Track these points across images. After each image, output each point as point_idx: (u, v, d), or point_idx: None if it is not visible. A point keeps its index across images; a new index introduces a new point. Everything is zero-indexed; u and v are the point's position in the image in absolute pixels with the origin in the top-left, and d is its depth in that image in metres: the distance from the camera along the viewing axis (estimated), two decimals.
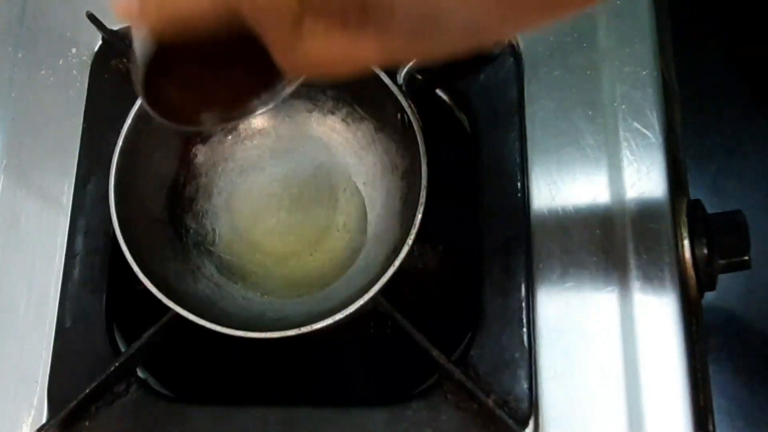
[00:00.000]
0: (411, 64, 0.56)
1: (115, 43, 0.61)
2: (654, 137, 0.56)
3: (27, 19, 0.65)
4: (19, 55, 0.64)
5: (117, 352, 0.56)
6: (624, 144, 0.57)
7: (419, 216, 0.52)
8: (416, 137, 0.54)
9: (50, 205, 0.60)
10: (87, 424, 0.54)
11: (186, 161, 0.61)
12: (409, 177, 0.57)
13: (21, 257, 0.58)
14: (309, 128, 0.63)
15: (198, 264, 0.59)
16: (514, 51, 0.59)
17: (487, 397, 0.51)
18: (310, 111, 0.62)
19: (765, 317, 0.60)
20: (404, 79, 0.56)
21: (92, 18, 0.61)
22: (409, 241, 0.51)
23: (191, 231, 0.61)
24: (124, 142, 0.55)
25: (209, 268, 0.60)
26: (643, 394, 0.51)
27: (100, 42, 0.63)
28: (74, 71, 0.63)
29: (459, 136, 0.61)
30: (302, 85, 0.54)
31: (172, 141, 0.60)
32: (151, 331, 0.54)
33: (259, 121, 0.63)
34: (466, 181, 0.58)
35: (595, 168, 0.57)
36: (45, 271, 0.58)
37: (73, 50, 0.64)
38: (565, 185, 0.57)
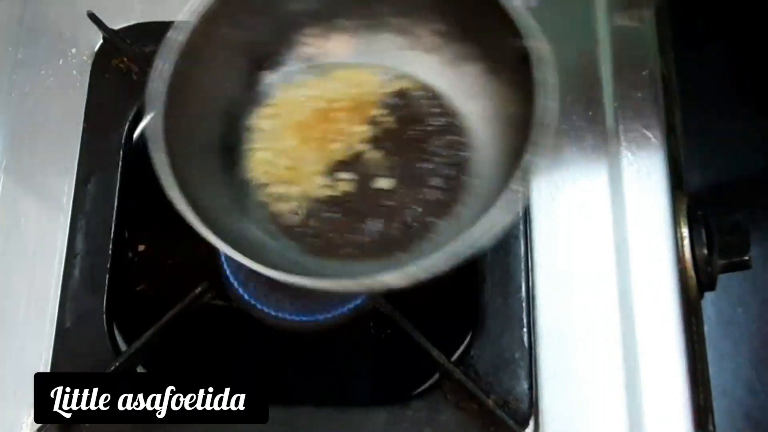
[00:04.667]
0: None
1: (116, 43, 0.61)
2: (654, 137, 0.56)
3: (27, 19, 0.65)
4: (19, 55, 0.64)
5: (117, 352, 0.55)
6: (624, 144, 0.57)
7: (528, 159, 0.42)
8: (535, 69, 0.44)
9: (50, 205, 0.60)
10: (87, 424, 0.54)
11: (251, 85, 0.54)
12: (522, 126, 0.46)
13: (21, 257, 0.58)
14: (405, 68, 0.53)
15: (249, 204, 0.52)
16: None
17: (487, 397, 0.51)
18: (409, 48, 0.52)
19: (765, 317, 0.60)
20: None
21: (93, 17, 0.61)
22: (515, 186, 0.43)
23: (246, 165, 0.53)
24: (186, 45, 0.47)
25: (261, 211, 0.52)
26: (643, 394, 0.51)
27: (100, 42, 0.63)
28: (74, 71, 0.63)
29: None
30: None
31: (238, 60, 0.53)
32: (151, 331, 0.54)
33: (343, 56, 0.54)
34: None
35: (595, 168, 0.57)
36: (45, 271, 0.58)
37: (73, 50, 0.64)
38: (565, 185, 0.57)
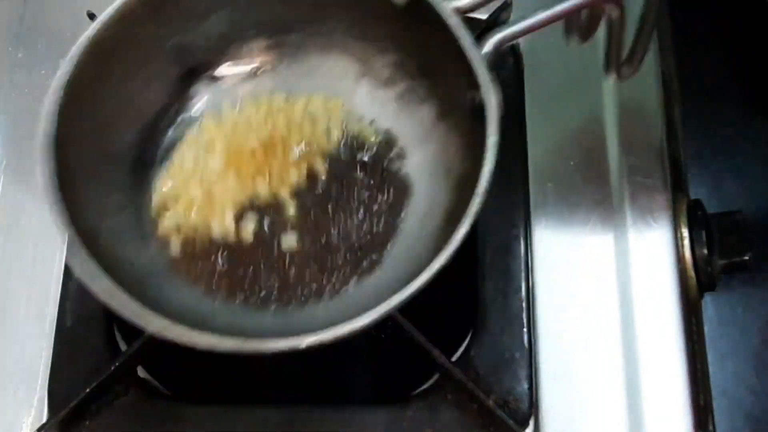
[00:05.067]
0: (510, 31, 0.43)
1: None
2: (654, 137, 0.56)
3: (27, 19, 0.65)
4: (19, 55, 0.64)
5: (117, 352, 0.55)
6: (624, 144, 0.57)
7: (460, 234, 0.41)
8: (486, 130, 0.41)
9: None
10: (87, 424, 0.54)
11: (180, 99, 0.49)
12: (462, 190, 0.44)
13: (21, 257, 0.58)
14: (353, 98, 0.49)
15: (149, 230, 0.46)
16: (514, 51, 0.59)
17: (487, 397, 0.51)
18: (359, 76, 0.49)
19: (765, 317, 0.60)
20: (494, 47, 0.42)
21: (93, 17, 0.61)
22: (435, 264, 0.41)
23: (153, 186, 0.48)
24: (95, 36, 0.41)
25: (168, 236, 0.46)
26: (643, 394, 0.51)
27: None
28: None
29: None
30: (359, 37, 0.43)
31: (166, 67, 0.47)
32: None
33: (289, 74, 0.50)
34: None
35: (595, 168, 0.57)
36: (45, 271, 0.58)
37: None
38: (564, 186, 0.57)
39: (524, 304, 0.53)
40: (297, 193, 0.48)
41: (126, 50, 0.44)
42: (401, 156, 0.49)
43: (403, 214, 0.48)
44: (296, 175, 0.48)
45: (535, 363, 0.53)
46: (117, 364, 0.53)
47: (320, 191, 0.48)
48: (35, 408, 0.55)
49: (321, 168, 0.48)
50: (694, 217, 0.56)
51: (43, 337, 0.56)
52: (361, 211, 0.48)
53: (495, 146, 0.41)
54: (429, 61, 0.46)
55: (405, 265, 0.47)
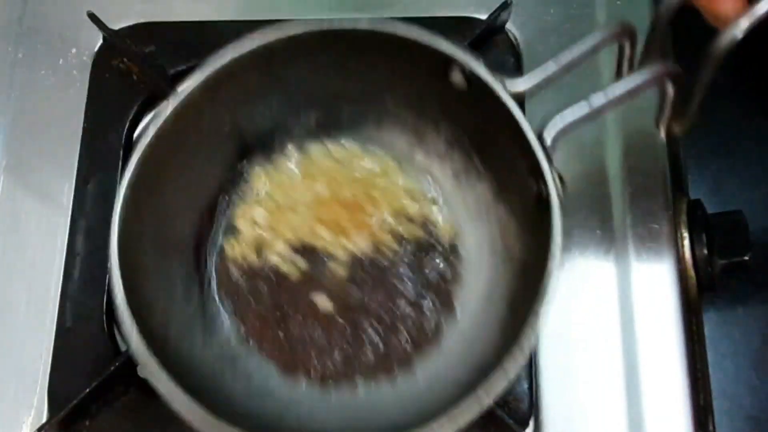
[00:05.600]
0: (569, 120, 0.41)
1: (116, 43, 0.61)
2: (654, 137, 0.56)
3: (27, 19, 0.65)
4: (19, 55, 0.64)
5: (117, 352, 0.55)
6: (624, 144, 0.57)
7: (530, 337, 0.38)
8: (551, 220, 0.39)
9: (50, 205, 0.59)
10: (87, 424, 0.54)
11: (237, 177, 0.48)
12: (526, 275, 0.43)
13: (21, 257, 0.58)
14: (406, 170, 0.47)
15: (215, 323, 0.45)
16: (514, 50, 0.59)
17: None
18: (412, 145, 0.47)
19: (765, 317, 0.60)
20: (554, 138, 0.40)
21: (93, 17, 0.61)
22: (508, 368, 0.37)
23: (213, 267, 0.47)
24: (160, 130, 0.40)
25: (227, 331, 0.45)
26: (643, 394, 0.51)
27: (100, 42, 0.63)
28: (74, 71, 0.63)
29: None
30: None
31: (224, 145, 0.46)
32: None
33: (341, 146, 0.48)
34: None
35: (595, 168, 0.57)
36: (45, 271, 0.58)
37: (73, 50, 0.64)
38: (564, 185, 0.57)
39: None
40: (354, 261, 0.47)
41: (184, 140, 0.43)
42: (459, 235, 0.47)
43: (460, 296, 0.47)
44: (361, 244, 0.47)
45: (535, 363, 0.53)
46: (117, 364, 0.53)
47: (378, 265, 0.47)
48: (35, 408, 0.55)
49: (388, 242, 0.47)
50: (694, 217, 0.56)
51: (43, 337, 0.56)
52: (416, 291, 0.47)
53: (559, 248, 0.40)
54: (485, 139, 0.45)
55: (461, 352, 0.45)
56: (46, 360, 0.55)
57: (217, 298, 0.46)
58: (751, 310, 0.60)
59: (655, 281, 0.54)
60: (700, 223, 0.55)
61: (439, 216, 0.47)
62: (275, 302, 0.47)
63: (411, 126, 0.47)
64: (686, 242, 0.55)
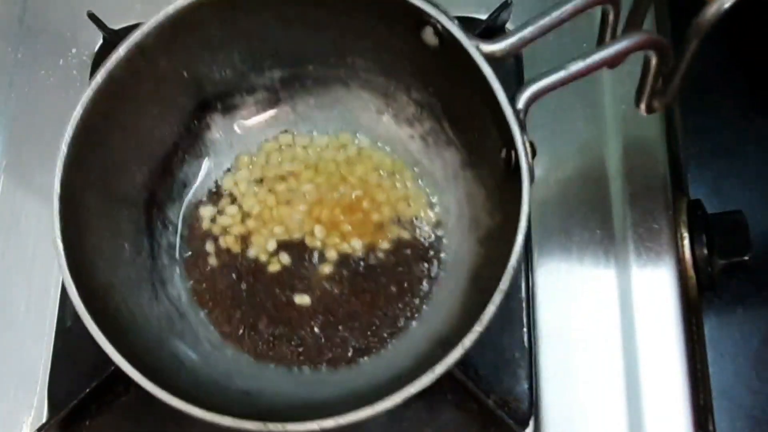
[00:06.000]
0: (542, 84, 0.40)
1: (116, 43, 0.61)
2: (654, 137, 0.56)
3: (27, 19, 0.65)
4: (19, 55, 0.64)
5: None
6: (624, 144, 0.57)
7: (492, 307, 0.37)
8: (522, 193, 0.38)
9: (50, 205, 0.59)
10: (87, 424, 0.54)
11: (193, 132, 0.46)
12: (490, 244, 0.43)
13: (21, 257, 0.58)
14: (374, 133, 0.46)
15: (163, 276, 0.44)
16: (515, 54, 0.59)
17: (487, 397, 0.51)
18: (381, 111, 0.46)
19: (765, 317, 0.60)
20: (526, 104, 0.39)
21: (93, 17, 0.61)
22: (466, 341, 0.37)
23: (169, 226, 0.46)
24: (106, 77, 0.39)
25: (178, 287, 0.44)
26: (643, 394, 0.51)
27: (100, 42, 0.63)
28: (74, 71, 0.63)
29: None
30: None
31: (180, 99, 0.44)
32: None
33: (307, 106, 0.47)
34: None
35: (595, 168, 0.57)
36: (45, 271, 0.58)
37: (73, 50, 0.64)
38: (564, 185, 0.57)
39: (524, 304, 0.53)
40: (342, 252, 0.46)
41: (137, 87, 0.41)
42: (432, 205, 0.46)
43: (438, 278, 0.46)
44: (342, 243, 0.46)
45: (535, 363, 0.53)
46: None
47: (363, 264, 0.46)
48: (35, 408, 0.55)
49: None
50: (694, 217, 0.56)
51: (43, 337, 0.56)
52: (399, 282, 0.46)
53: (526, 218, 0.38)
54: (456, 104, 0.43)
55: (435, 328, 0.44)
56: (46, 360, 0.55)
57: (171, 256, 0.45)
58: (751, 310, 0.60)
59: (655, 281, 0.54)
60: (700, 223, 0.55)
61: (429, 211, 0.47)
62: (240, 280, 0.45)
63: (380, 89, 0.45)
64: (686, 242, 0.55)
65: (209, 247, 0.46)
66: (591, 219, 0.55)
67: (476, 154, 0.43)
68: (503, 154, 0.39)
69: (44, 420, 0.54)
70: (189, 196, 0.46)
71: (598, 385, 0.52)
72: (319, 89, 0.46)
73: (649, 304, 0.53)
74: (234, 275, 0.45)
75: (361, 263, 0.45)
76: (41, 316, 0.57)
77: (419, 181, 0.45)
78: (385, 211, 0.45)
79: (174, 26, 0.39)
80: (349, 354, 0.44)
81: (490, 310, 0.37)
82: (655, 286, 0.54)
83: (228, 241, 0.46)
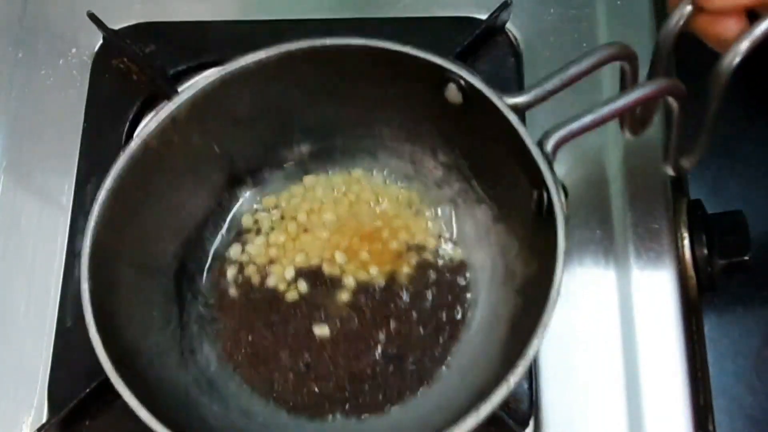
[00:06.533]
0: (569, 129, 0.41)
1: (116, 43, 0.61)
2: (654, 137, 0.56)
3: (27, 19, 0.65)
4: (19, 55, 0.64)
5: None
6: (624, 144, 0.57)
7: (531, 352, 0.37)
8: (556, 233, 0.38)
9: (50, 205, 0.59)
10: (87, 423, 0.54)
11: (224, 206, 0.47)
12: (528, 292, 0.43)
13: (21, 257, 0.58)
14: (403, 206, 0.46)
15: (192, 345, 0.45)
16: (514, 50, 0.59)
17: None
18: (410, 178, 0.47)
19: (765, 317, 0.60)
20: (554, 147, 0.40)
21: (93, 17, 0.61)
22: (510, 383, 0.37)
23: (199, 297, 0.46)
24: (140, 147, 0.40)
25: (207, 355, 0.44)
26: (643, 394, 0.51)
27: (100, 42, 0.63)
28: (74, 71, 0.63)
29: None
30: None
31: (212, 173, 0.46)
32: None
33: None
34: None
35: (595, 168, 0.57)
36: (45, 271, 0.58)
37: (73, 50, 0.64)
38: (564, 184, 0.57)
39: None
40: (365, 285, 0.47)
41: (170, 160, 0.42)
42: (464, 261, 0.47)
43: (466, 322, 0.46)
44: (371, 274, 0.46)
45: (535, 363, 0.53)
46: None
47: (386, 293, 0.46)
48: (35, 408, 0.55)
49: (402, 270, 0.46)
50: (694, 217, 0.56)
51: (43, 337, 0.56)
52: (423, 319, 0.46)
53: (564, 254, 0.39)
54: (483, 160, 0.44)
55: (471, 377, 0.44)
56: (46, 360, 0.55)
57: (201, 326, 0.45)
58: (751, 310, 0.60)
59: (655, 281, 0.54)
60: (700, 223, 0.55)
61: (449, 246, 0.47)
62: (266, 325, 0.46)
63: (407, 156, 0.46)
64: (686, 242, 0.55)
65: (232, 291, 0.47)
66: (591, 219, 0.55)
67: (507, 206, 0.44)
68: (534, 196, 0.39)
69: (44, 420, 0.54)
70: (217, 266, 0.47)
71: (598, 385, 0.52)
72: (347, 161, 0.47)
73: (649, 304, 0.53)
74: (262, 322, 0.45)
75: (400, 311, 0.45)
76: (41, 316, 0.57)
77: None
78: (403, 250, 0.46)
79: (206, 99, 0.40)
80: (374, 393, 0.44)
81: (535, 344, 0.37)
82: (655, 286, 0.54)
83: (251, 273, 0.47)
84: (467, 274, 0.46)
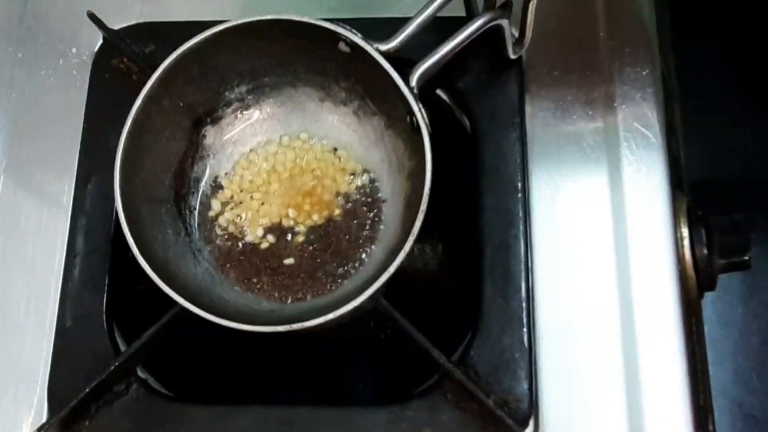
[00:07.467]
0: (425, 66, 0.55)
1: (116, 43, 0.61)
2: (654, 137, 0.56)
3: (27, 19, 0.65)
4: (19, 55, 0.64)
5: (117, 352, 0.56)
6: (624, 144, 0.57)
7: (419, 223, 0.51)
8: (423, 143, 0.53)
9: (50, 205, 0.60)
10: (87, 423, 0.54)
11: (195, 142, 0.61)
12: (414, 179, 0.56)
13: (21, 257, 0.58)
14: (320, 117, 0.62)
15: (199, 246, 0.60)
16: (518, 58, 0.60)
17: (487, 397, 0.51)
18: (322, 100, 0.62)
19: (765, 317, 0.60)
20: (417, 81, 0.55)
21: (93, 17, 0.61)
22: (407, 246, 0.51)
23: (195, 211, 0.61)
24: (132, 123, 0.55)
25: (209, 259, 0.60)
26: (643, 394, 0.51)
27: (100, 42, 0.63)
28: (74, 71, 0.63)
29: (460, 137, 0.61)
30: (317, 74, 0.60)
31: (182, 121, 0.60)
32: (151, 331, 0.54)
33: (270, 107, 0.63)
34: (467, 181, 0.58)
35: (595, 168, 0.57)
36: (45, 271, 0.58)
37: (73, 50, 0.64)
38: (565, 185, 0.57)
39: (524, 304, 0.53)
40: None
41: (155, 119, 0.57)
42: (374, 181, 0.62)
43: (381, 215, 0.60)
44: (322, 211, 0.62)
45: (535, 363, 0.53)
46: (117, 364, 0.53)
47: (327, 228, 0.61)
48: (35, 408, 0.55)
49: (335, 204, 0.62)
50: (694, 217, 0.56)
51: (43, 337, 0.56)
52: (352, 234, 0.60)
53: (430, 160, 0.52)
54: (372, 87, 0.59)
55: (384, 256, 0.56)
56: (46, 360, 0.55)
57: (201, 232, 0.61)
58: (751, 310, 0.60)
59: (655, 281, 0.54)
60: (700, 223, 0.55)
61: (364, 177, 0.61)
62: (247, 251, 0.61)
63: (318, 84, 0.61)
64: (686, 242, 0.55)
65: (218, 230, 0.62)
66: (591, 219, 0.56)
67: (393, 117, 0.58)
68: (408, 119, 0.55)
69: (44, 420, 0.54)
70: (202, 186, 0.62)
71: (598, 386, 0.52)
72: (275, 92, 0.63)
73: (649, 304, 0.53)
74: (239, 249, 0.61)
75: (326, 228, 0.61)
76: (41, 316, 0.57)
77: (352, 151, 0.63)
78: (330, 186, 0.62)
79: (168, 74, 0.56)
80: (329, 285, 0.59)
81: (417, 224, 0.51)
82: (655, 286, 0.54)
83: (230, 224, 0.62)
84: (376, 185, 0.61)
